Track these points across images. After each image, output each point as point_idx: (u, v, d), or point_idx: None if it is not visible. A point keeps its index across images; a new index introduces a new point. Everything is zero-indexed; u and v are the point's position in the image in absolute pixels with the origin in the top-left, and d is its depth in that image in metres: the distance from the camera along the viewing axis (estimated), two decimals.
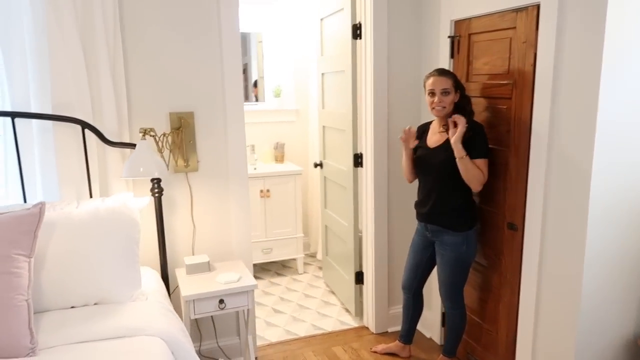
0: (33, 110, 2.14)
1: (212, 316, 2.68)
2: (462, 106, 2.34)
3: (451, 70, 2.67)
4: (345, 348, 2.96)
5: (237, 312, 2.71)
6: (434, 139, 2.45)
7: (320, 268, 4.17)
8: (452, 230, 2.39)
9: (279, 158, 4.33)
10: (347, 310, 3.42)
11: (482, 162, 2.29)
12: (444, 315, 2.82)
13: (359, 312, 3.30)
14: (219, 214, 2.66)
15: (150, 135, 2.19)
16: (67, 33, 2.15)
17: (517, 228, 2.29)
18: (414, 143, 2.48)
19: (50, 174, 2.21)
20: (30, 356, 1.53)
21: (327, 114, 3.61)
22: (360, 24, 2.93)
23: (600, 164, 1.89)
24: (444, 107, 2.33)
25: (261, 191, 3.94)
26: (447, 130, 2.35)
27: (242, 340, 2.74)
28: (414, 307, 2.73)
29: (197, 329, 2.69)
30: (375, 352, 2.90)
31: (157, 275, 2.31)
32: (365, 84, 2.96)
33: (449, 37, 2.67)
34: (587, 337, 2.02)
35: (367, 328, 3.19)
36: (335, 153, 3.47)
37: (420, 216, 2.53)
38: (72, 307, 1.82)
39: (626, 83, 1.88)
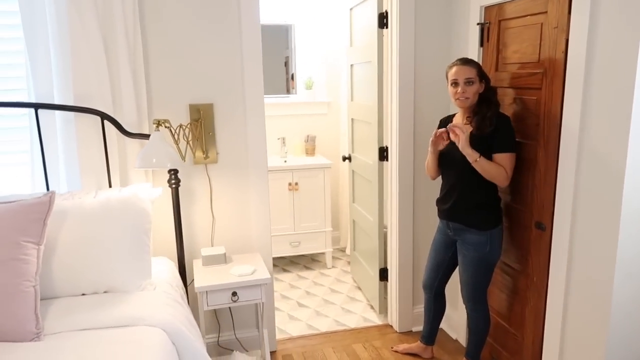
0: (56, 102, 2.21)
1: (229, 308, 2.68)
2: (487, 97, 2.21)
3: (480, 59, 2.54)
4: (366, 346, 2.89)
5: (256, 305, 2.71)
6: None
7: (349, 263, 4.11)
8: (475, 228, 2.26)
9: (310, 151, 4.30)
10: (372, 307, 3.35)
11: (504, 157, 2.16)
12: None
13: (383, 310, 3.22)
14: (238, 207, 2.65)
15: (166, 127, 2.20)
16: (88, 26, 2.19)
17: (545, 228, 2.14)
18: (444, 145, 2.31)
19: (72, 164, 2.27)
20: (35, 341, 1.57)
21: (356, 107, 3.53)
22: (386, 12, 2.83)
23: (634, 160, 1.72)
24: (468, 98, 2.20)
25: (289, 184, 3.92)
26: (470, 123, 2.23)
27: (260, 333, 2.73)
28: (435, 307, 2.63)
29: (216, 320, 2.70)
30: (396, 351, 2.81)
31: (173, 266, 2.33)
32: (391, 75, 2.86)
33: (478, 24, 2.53)
34: (618, 347, 1.86)
35: (391, 326, 3.11)
36: (363, 146, 3.39)
37: (442, 213, 2.42)
38: (83, 294, 1.86)
39: None
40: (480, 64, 2.39)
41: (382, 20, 2.87)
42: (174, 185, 2.34)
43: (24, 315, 1.57)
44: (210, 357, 2.61)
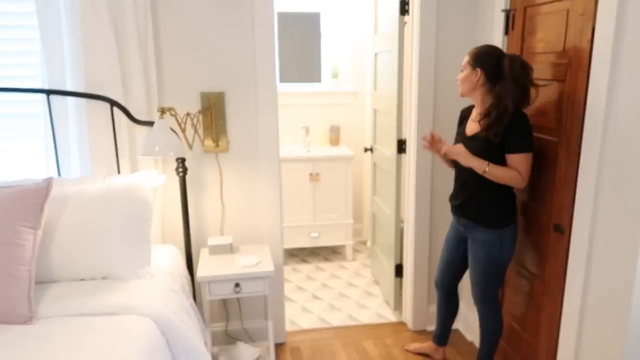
0: (68, 89, 2.23)
1: (238, 298, 2.68)
2: (495, 92, 2.04)
3: (505, 48, 2.39)
4: (377, 343, 2.82)
5: (265, 296, 2.68)
6: (471, 126, 2.20)
7: (370, 256, 4.03)
8: (485, 226, 2.15)
9: (334, 141, 4.22)
10: (388, 304, 3.27)
11: (519, 158, 2.01)
12: None
13: (398, 307, 3.14)
14: (249, 197, 2.63)
15: (171, 115, 2.19)
16: (99, 13, 2.20)
17: (563, 231, 2.00)
18: (442, 146, 2.22)
19: (84, 150, 2.30)
20: (27, 324, 1.60)
21: (378, 97, 3.43)
22: None
23: None
24: (459, 85, 2.13)
25: (310, 174, 3.86)
26: (479, 121, 2.10)
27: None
28: (446, 306, 2.53)
29: (225, 309, 2.70)
30: (407, 350, 2.73)
31: (179, 254, 2.34)
32: (411, 64, 2.74)
33: (503, 10, 2.37)
34: None
35: (405, 324, 3.03)
36: (383, 138, 3.30)
37: (454, 209, 2.31)
38: (82, 280, 1.89)
39: None
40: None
41: (404, 7, 2.74)
42: (181, 174, 2.33)
43: (17, 299, 1.59)
44: (218, 345, 2.64)
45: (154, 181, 2.16)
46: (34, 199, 1.70)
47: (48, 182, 1.75)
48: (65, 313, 1.65)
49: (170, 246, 2.35)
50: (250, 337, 2.72)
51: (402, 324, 3.04)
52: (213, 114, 2.47)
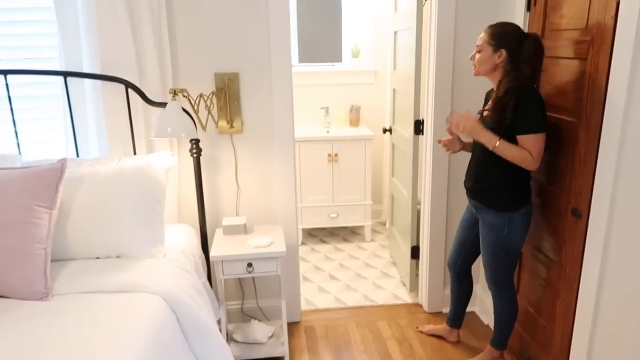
0: (85, 71, 2.27)
1: (253, 278, 2.72)
2: (509, 71, 1.97)
3: (526, 25, 2.30)
4: (391, 324, 2.83)
5: (279, 276, 2.71)
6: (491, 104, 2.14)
7: (389, 237, 4.02)
8: (493, 209, 2.10)
9: (354, 122, 4.18)
10: (404, 285, 3.26)
11: (529, 139, 1.94)
12: None
13: (414, 288, 3.13)
14: (263, 178, 2.64)
15: (184, 96, 2.20)
16: None
17: (581, 215, 1.94)
18: (459, 146, 2.28)
19: (101, 131, 2.34)
20: (43, 300, 1.66)
21: (397, 76, 3.37)
22: None
23: None
24: (474, 66, 2.05)
25: (329, 155, 3.85)
26: (494, 108, 2.03)
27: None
28: (459, 288, 2.51)
29: (240, 288, 2.75)
30: (421, 332, 2.73)
31: (193, 234, 2.37)
32: (429, 42, 2.67)
33: None
34: None
35: (421, 306, 3.02)
36: (401, 119, 3.24)
37: (466, 190, 2.27)
38: (97, 258, 1.94)
39: None
40: (526, 31, 2.16)
41: None
42: (195, 155, 2.36)
43: (33, 276, 1.65)
44: (233, 322, 2.69)
45: (167, 162, 2.18)
46: (48, 180, 1.75)
47: (62, 163, 1.79)
48: (79, 290, 1.71)
49: (185, 226, 2.39)
50: (265, 316, 2.76)
51: (417, 305, 3.03)
52: (227, 95, 2.48)
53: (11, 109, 2.30)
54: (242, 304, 2.76)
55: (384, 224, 4.38)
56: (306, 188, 3.88)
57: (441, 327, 2.68)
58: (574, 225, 1.99)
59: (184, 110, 2.20)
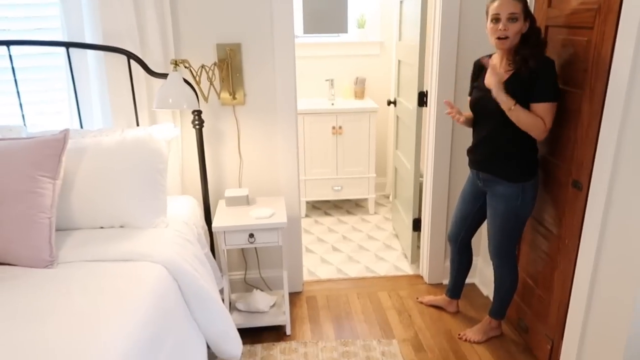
0: (87, 41, 2.26)
1: (255, 248, 2.76)
2: (528, 38, 1.96)
3: None
4: (391, 295, 2.87)
5: (280, 246, 2.75)
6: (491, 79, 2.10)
7: (391, 210, 4.04)
8: (507, 180, 2.11)
9: (359, 94, 4.15)
10: (406, 257, 3.30)
11: (543, 107, 1.94)
12: None
13: (415, 260, 3.16)
14: (266, 150, 2.65)
15: (185, 67, 2.19)
16: None
17: (581, 187, 1.94)
18: (462, 118, 2.24)
19: (104, 103, 2.35)
20: (49, 268, 1.70)
21: (402, 47, 3.32)
22: None
23: None
24: (508, 38, 1.96)
25: (333, 128, 3.84)
26: (514, 70, 2.00)
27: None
28: (459, 260, 2.53)
29: (243, 258, 2.79)
30: (421, 302, 2.77)
31: (196, 205, 2.40)
32: (435, 12, 2.63)
33: None
34: None
35: (421, 277, 3.06)
36: (406, 90, 3.22)
37: (473, 163, 2.27)
38: (101, 227, 1.98)
39: None
40: None
41: None
42: (197, 126, 2.36)
43: (39, 244, 1.69)
44: (236, 292, 2.75)
45: (169, 133, 2.20)
46: (51, 150, 1.77)
47: (65, 134, 1.81)
48: (84, 259, 1.75)
49: (187, 197, 2.42)
50: (267, 286, 2.82)
51: (418, 277, 3.07)
52: (230, 66, 2.46)
53: (15, 81, 2.31)
54: (245, 274, 2.81)
55: (388, 197, 4.39)
56: (310, 161, 3.88)
57: (440, 298, 2.72)
58: (574, 197, 1.99)
59: (186, 81, 2.20)
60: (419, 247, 3.09)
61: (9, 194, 1.70)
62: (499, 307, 2.39)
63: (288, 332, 2.50)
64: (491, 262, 2.35)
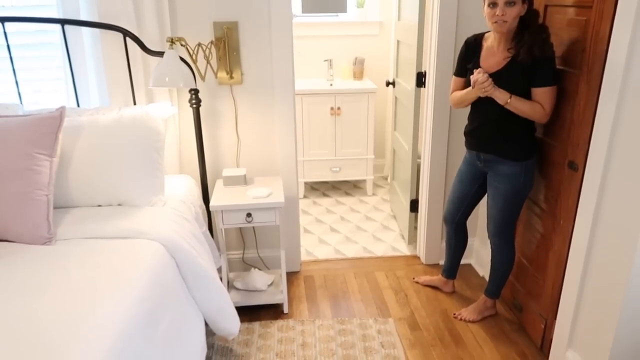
0: (82, 19, 2.24)
1: (253, 228, 2.77)
2: (527, 21, 1.94)
3: None
4: (388, 274, 2.90)
5: (278, 226, 2.76)
6: (492, 60, 2.09)
7: (389, 192, 4.05)
8: (511, 159, 2.13)
9: (358, 74, 4.13)
10: (403, 238, 3.32)
11: (545, 92, 1.96)
12: None
13: (413, 241, 3.18)
14: (263, 129, 2.64)
15: (181, 45, 2.18)
16: None
17: (577, 168, 1.94)
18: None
19: (101, 81, 2.34)
20: (47, 245, 1.72)
21: (401, 27, 3.29)
22: None
23: None
24: (506, 22, 1.94)
25: (331, 108, 3.83)
26: (514, 55, 1.98)
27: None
28: (456, 240, 2.55)
29: (242, 238, 2.81)
30: (417, 282, 2.80)
31: (194, 184, 2.41)
32: None
33: None
34: (636, 305, 1.71)
35: (418, 258, 3.08)
36: (404, 71, 3.20)
37: (473, 145, 2.27)
38: (99, 206, 1.99)
39: None
40: None
41: None
42: (194, 105, 2.36)
43: (37, 221, 1.70)
44: (235, 271, 2.77)
45: (166, 112, 2.19)
46: (48, 128, 1.77)
47: (61, 111, 1.81)
48: (81, 236, 1.76)
49: (185, 176, 2.43)
50: (265, 265, 2.84)
51: (415, 257, 3.10)
52: (227, 44, 2.45)
53: (10, 58, 2.30)
54: (243, 253, 2.83)
55: (386, 179, 4.40)
56: (309, 141, 3.88)
57: (437, 278, 2.75)
58: (570, 178, 2.00)
59: (182, 59, 2.19)
60: (416, 228, 3.11)
61: (6, 172, 1.71)
62: (495, 287, 2.41)
63: (285, 310, 2.53)
64: (489, 242, 2.37)
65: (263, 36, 2.48)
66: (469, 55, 2.17)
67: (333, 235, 3.40)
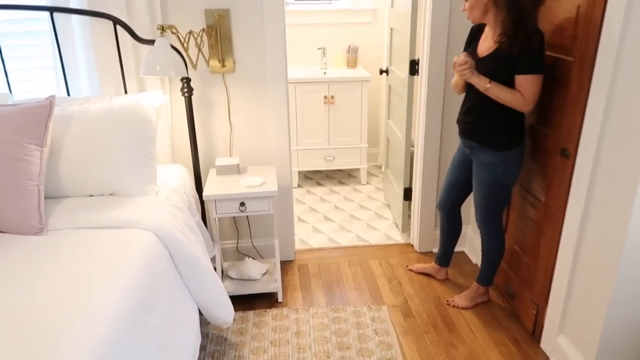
0: (72, 6, 2.21)
1: (247, 217, 2.77)
2: (525, 17, 1.91)
3: None
4: (382, 262, 2.91)
5: (272, 215, 2.76)
6: (485, 46, 2.09)
7: (383, 180, 4.05)
8: (491, 148, 2.12)
9: (351, 63, 4.11)
10: (397, 226, 3.33)
11: (525, 80, 1.95)
12: None
13: (406, 229, 3.20)
14: (256, 118, 2.63)
15: (172, 33, 2.15)
16: None
17: (569, 155, 1.95)
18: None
19: (91, 70, 2.32)
20: (39, 235, 1.71)
21: (394, 14, 3.27)
22: None
23: None
24: (470, 12, 2.02)
25: (325, 97, 3.81)
26: (497, 47, 1.99)
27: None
28: (448, 227, 2.56)
29: (235, 227, 2.81)
30: (410, 270, 2.82)
31: (186, 174, 2.40)
32: None
33: None
34: (625, 290, 1.73)
35: (412, 246, 3.10)
36: (397, 58, 3.19)
37: (461, 131, 2.28)
38: (91, 196, 1.98)
39: None
40: None
41: None
42: (186, 94, 2.34)
43: (28, 212, 1.69)
44: (229, 260, 2.77)
45: (157, 101, 2.17)
46: (38, 117, 1.75)
47: (51, 100, 1.79)
48: (73, 226, 1.75)
49: (178, 166, 2.41)
50: (259, 254, 2.85)
51: (409, 245, 3.11)
52: (218, 32, 2.42)
53: None
54: (237, 243, 2.83)
55: (380, 167, 4.40)
56: (302, 130, 3.87)
57: (430, 266, 2.76)
58: (562, 165, 2.01)
59: (174, 47, 2.17)
60: (409, 216, 3.12)
61: None
62: (487, 274, 2.43)
63: (280, 299, 2.54)
64: (478, 230, 2.38)
65: (255, 24, 2.46)
66: (470, 40, 2.19)
67: (327, 224, 3.41)
